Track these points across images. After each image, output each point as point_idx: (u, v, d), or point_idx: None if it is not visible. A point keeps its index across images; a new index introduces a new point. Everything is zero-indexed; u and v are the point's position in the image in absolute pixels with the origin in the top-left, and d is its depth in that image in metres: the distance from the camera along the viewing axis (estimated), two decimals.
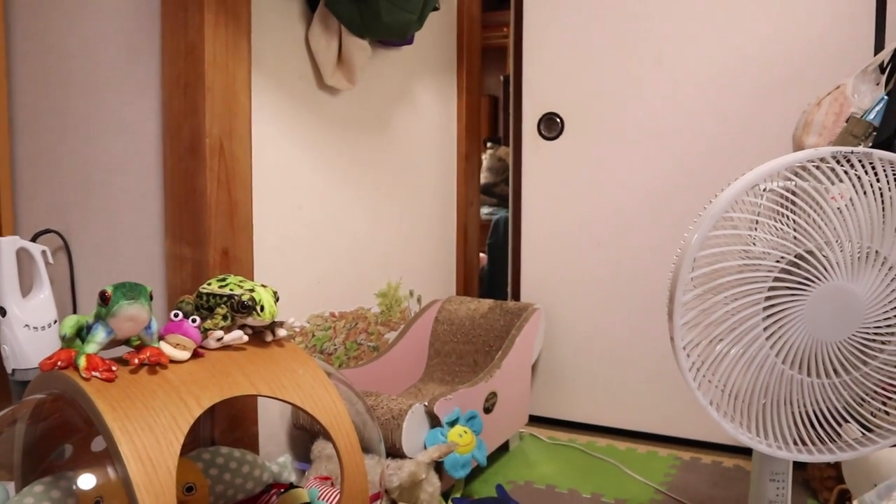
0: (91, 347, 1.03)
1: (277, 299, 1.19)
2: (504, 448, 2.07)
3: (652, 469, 1.99)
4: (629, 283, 2.19)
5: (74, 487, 1.21)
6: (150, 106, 1.59)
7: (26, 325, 1.65)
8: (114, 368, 1.02)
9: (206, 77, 1.47)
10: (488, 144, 4.24)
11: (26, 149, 1.84)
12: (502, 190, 4.11)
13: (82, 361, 1.01)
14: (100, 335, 1.04)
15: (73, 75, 1.72)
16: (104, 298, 1.03)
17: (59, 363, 1.03)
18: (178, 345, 1.09)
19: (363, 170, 1.95)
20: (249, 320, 1.17)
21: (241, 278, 1.22)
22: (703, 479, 1.94)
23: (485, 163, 4.04)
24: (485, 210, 3.89)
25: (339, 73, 1.80)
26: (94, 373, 1.00)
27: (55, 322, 1.69)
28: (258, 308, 1.15)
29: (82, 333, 1.08)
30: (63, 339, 1.08)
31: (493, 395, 1.84)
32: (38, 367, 1.04)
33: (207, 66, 1.47)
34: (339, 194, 1.87)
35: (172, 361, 1.07)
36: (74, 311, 1.78)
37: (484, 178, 4.05)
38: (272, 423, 1.65)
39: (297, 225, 1.74)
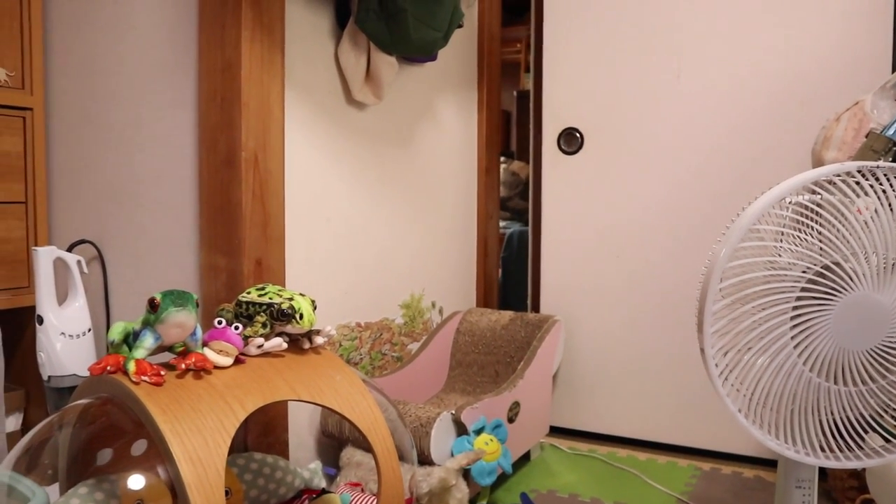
0: (140, 352, 1.06)
1: (315, 308, 1.23)
2: (525, 458, 2.09)
3: (673, 479, 2.01)
4: (648, 296, 2.22)
5: (117, 489, 1.24)
6: (185, 119, 1.63)
7: (62, 333, 1.68)
8: (162, 373, 1.05)
9: (242, 92, 1.51)
10: (502, 159, 4.27)
11: (62, 160, 1.89)
12: (516, 204, 4.15)
13: (132, 366, 1.04)
14: (148, 341, 1.07)
15: (110, 89, 1.77)
16: (153, 305, 1.06)
17: (108, 367, 1.06)
18: (221, 351, 1.12)
19: (388, 183, 1.99)
20: (288, 328, 1.21)
21: (279, 287, 1.26)
22: (724, 488, 1.96)
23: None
24: (500, 224, 3.93)
25: (367, 89, 1.84)
26: (143, 377, 1.03)
27: (89, 330, 1.73)
28: (297, 316, 1.19)
29: (129, 339, 1.12)
30: (111, 344, 1.11)
31: (517, 404, 1.87)
32: (88, 371, 1.08)
33: (244, 82, 1.51)
34: (365, 206, 1.91)
35: (216, 367, 1.11)
36: (108, 320, 1.82)
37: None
38: (301, 431, 1.68)
39: (326, 236, 1.78)
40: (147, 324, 1.09)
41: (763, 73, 2.04)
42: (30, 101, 1.85)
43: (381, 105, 1.94)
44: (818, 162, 1.80)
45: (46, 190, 1.90)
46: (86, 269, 1.77)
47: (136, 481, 1.25)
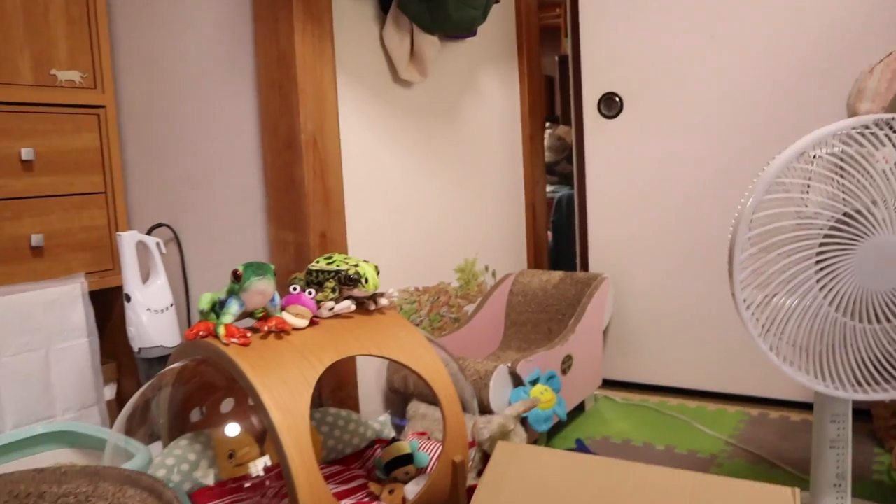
0: (227, 318, 1.21)
1: (378, 273, 1.35)
2: (580, 409, 2.21)
3: (722, 424, 2.10)
4: (691, 250, 2.30)
5: (211, 442, 1.40)
6: (247, 108, 1.77)
7: (148, 309, 1.85)
8: (248, 335, 1.20)
9: (298, 79, 1.63)
10: (547, 124, 4.30)
11: (135, 154, 2.05)
12: (563, 168, 4.20)
13: (222, 330, 1.19)
14: (234, 307, 1.21)
15: (174, 84, 1.92)
16: (237, 276, 1.20)
17: (201, 333, 1.21)
18: (297, 314, 1.26)
19: (437, 156, 2.11)
20: (355, 292, 1.34)
21: (345, 256, 1.39)
22: (771, 432, 2.04)
23: (545, 142, 4.13)
24: (547, 189, 3.99)
25: (412, 68, 1.95)
26: (232, 339, 1.18)
27: (171, 305, 1.90)
28: (363, 280, 1.32)
29: (216, 308, 1.26)
30: (201, 313, 1.26)
31: (569, 357, 1.99)
32: (183, 337, 1.22)
33: (299, 70, 1.63)
34: (417, 179, 2.03)
35: (294, 328, 1.25)
36: (187, 295, 1.98)
37: (545, 157, 4.14)
38: (370, 388, 1.82)
39: (382, 209, 1.90)
40: (232, 293, 1.23)
41: (796, 29, 2.09)
42: (102, 99, 2.01)
43: (427, 82, 2.05)
44: (853, 114, 1.85)
45: (123, 180, 2.06)
46: (164, 250, 1.93)
47: (226, 434, 1.40)
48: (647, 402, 2.30)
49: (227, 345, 1.17)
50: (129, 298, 1.85)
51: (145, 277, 1.90)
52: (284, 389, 1.11)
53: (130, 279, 1.85)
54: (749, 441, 1.98)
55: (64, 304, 1.88)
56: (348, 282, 1.32)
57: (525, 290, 2.31)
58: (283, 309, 1.28)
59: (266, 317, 1.26)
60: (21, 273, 1.85)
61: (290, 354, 1.18)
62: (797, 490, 0.93)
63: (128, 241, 1.86)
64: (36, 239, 1.86)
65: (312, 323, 1.29)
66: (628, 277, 2.41)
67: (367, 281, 1.32)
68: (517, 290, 2.32)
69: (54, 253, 1.92)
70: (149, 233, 1.94)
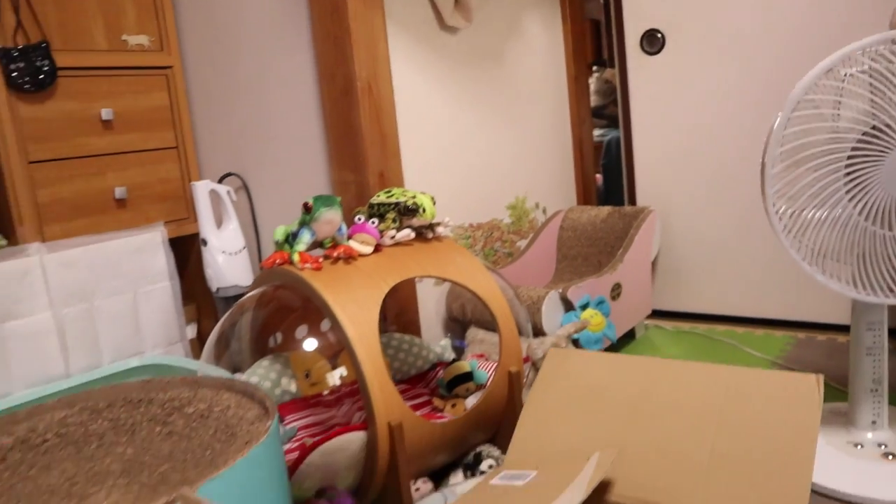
0: (300, 246, 1.34)
1: (434, 203, 1.47)
2: (630, 335, 2.31)
3: (769, 347, 2.18)
4: (736, 182, 2.35)
5: (289, 364, 1.55)
6: (304, 60, 1.88)
7: (223, 252, 2.01)
8: (320, 260, 1.33)
9: (351, 30, 1.74)
10: (594, 68, 4.33)
11: (203, 110, 2.19)
12: (611, 111, 4.23)
13: (296, 257, 1.32)
14: (306, 237, 1.35)
15: (235, 43, 2.04)
16: (307, 208, 1.33)
17: (277, 261, 1.34)
18: (363, 242, 1.39)
19: (484, 98, 2.20)
20: (414, 221, 1.46)
21: (403, 189, 1.51)
22: (818, 353, 2.12)
23: (592, 86, 4.16)
24: (596, 132, 4.04)
25: (458, 14, 2.04)
26: (306, 265, 1.31)
27: (244, 248, 2.05)
28: (421, 210, 1.43)
29: (289, 239, 1.40)
30: (276, 244, 1.40)
31: (618, 286, 2.08)
32: (261, 266, 1.36)
33: (351, 21, 1.74)
34: (466, 121, 2.13)
35: (360, 255, 1.38)
36: (257, 238, 2.13)
37: (593, 100, 4.17)
38: (430, 317, 1.95)
39: (435, 150, 2.01)
40: (303, 224, 1.36)
41: None
42: (168, 60, 2.15)
43: (472, 28, 2.13)
44: None
45: (193, 135, 2.21)
46: (234, 198, 2.08)
47: (303, 354, 1.55)
48: (696, 329, 2.39)
49: (301, 269, 1.30)
50: (205, 243, 2.00)
51: (219, 223, 2.06)
52: (355, 306, 1.24)
53: (206, 225, 2.01)
54: (795, 361, 2.05)
55: (147, 250, 2.04)
56: (407, 212, 1.44)
57: (575, 226, 2.40)
58: (349, 238, 1.40)
59: (335, 246, 1.38)
60: (108, 223, 2.02)
61: (358, 277, 1.30)
62: (821, 376, 1.03)
63: (201, 189, 2.01)
64: (119, 192, 2.03)
65: (376, 250, 1.41)
66: (675, 210, 2.48)
67: (424, 210, 1.44)
68: (567, 225, 2.42)
69: (136, 204, 2.08)
70: (219, 182, 2.08)
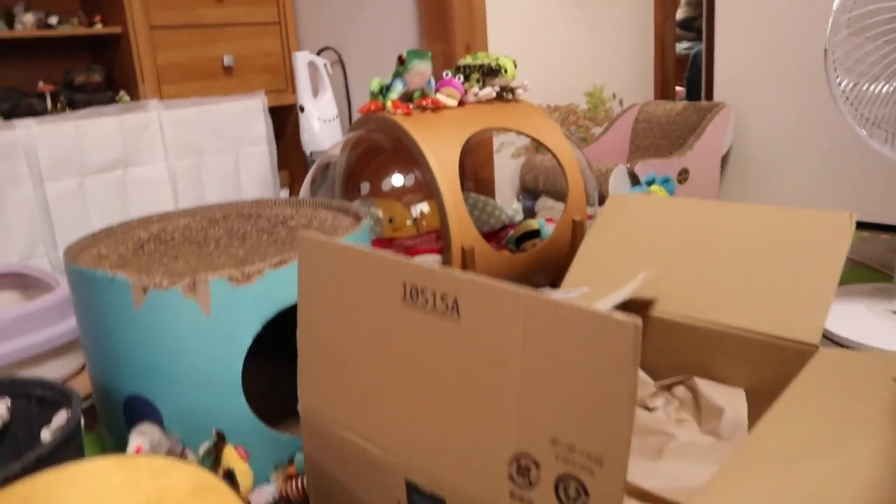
0: (393, 94, 1.49)
1: (516, 66, 1.59)
2: None
3: None
4: (815, 81, 2.38)
5: (377, 210, 1.72)
6: None
7: (318, 118, 2.18)
8: (410, 107, 1.48)
9: None
10: None
11: None
12: (700, 24, 4.21)
13: (389, 104, 1.48)
14: (398, 86, 1.50)
15: None
16: (401, 60, 1.48)
17: (372, 108, 1.50)
18: (449, 95, 1.53)
19: None
20: (496, 82, 1.59)
21: (487, 53, 1.64)
22: (880, 248, 2.18)
23: None
24: (683, 45, 4.02)
25: None
26: (398, 110, 1.46)
27: (336, 117, 2.22)
28: (503, 71, 1.56)
29: (382, 91, 1.55)
30: (371, 94, 1.55)
31: (686, 171, 2.18)
32: (358, 112, 1.52)
33: None
34: (553, 5, 2.22)
35: (446, 107, 1.52)
36: (349, 108, 2.30)
37: (682, 13, 4.14)
38: (504, 188, 2.10)
39: (521, 28, 2.12)
40: (397, 75, 1.51)
41: None
42: None
43: None
44: None
45: (294, 10, 2.37)
46: (330, 70, 2.24)
47: (388, 202, 1.72)
48: None
49: (393, 114, 1.46)
50: (302, 109, 2.18)
51: (315, 93, 2.23)
52: (440, 145, 1.39)
53: (304, 92, 2.18)
54: (857, 254, 2.13)
55: (248, 115, 2.24)
56: (490, 73, 1.57)
57: (649, 118, 2.49)
58: (437, 91, 1.55)
59: (423, 97, 1.53)
60: (217, 88, 2.22)
61: (443, 123, 1.46)
62: (853, 214, 1.14)
63: (301, 59, 2.18)
64: (227, 60, 2.21)
65: (461, 104, 1.55)
66: (751, 109, 2.53)
67: (506, 71, 1.57)
68: (642, 117, 2.50)
69: (241, 73, 2.27)
70: (318, 53, 2.25)
